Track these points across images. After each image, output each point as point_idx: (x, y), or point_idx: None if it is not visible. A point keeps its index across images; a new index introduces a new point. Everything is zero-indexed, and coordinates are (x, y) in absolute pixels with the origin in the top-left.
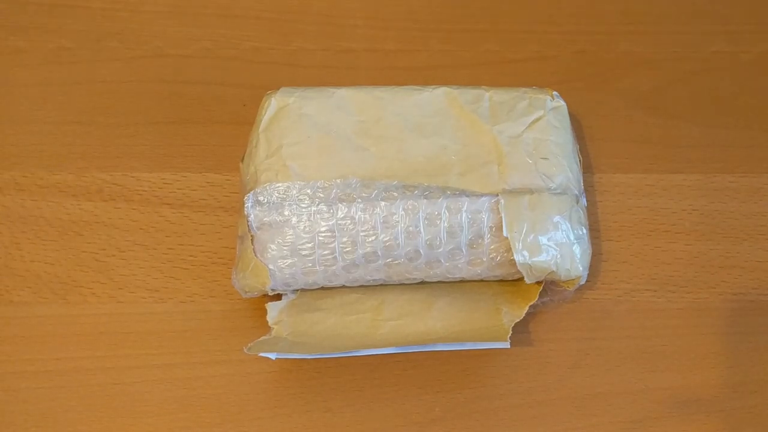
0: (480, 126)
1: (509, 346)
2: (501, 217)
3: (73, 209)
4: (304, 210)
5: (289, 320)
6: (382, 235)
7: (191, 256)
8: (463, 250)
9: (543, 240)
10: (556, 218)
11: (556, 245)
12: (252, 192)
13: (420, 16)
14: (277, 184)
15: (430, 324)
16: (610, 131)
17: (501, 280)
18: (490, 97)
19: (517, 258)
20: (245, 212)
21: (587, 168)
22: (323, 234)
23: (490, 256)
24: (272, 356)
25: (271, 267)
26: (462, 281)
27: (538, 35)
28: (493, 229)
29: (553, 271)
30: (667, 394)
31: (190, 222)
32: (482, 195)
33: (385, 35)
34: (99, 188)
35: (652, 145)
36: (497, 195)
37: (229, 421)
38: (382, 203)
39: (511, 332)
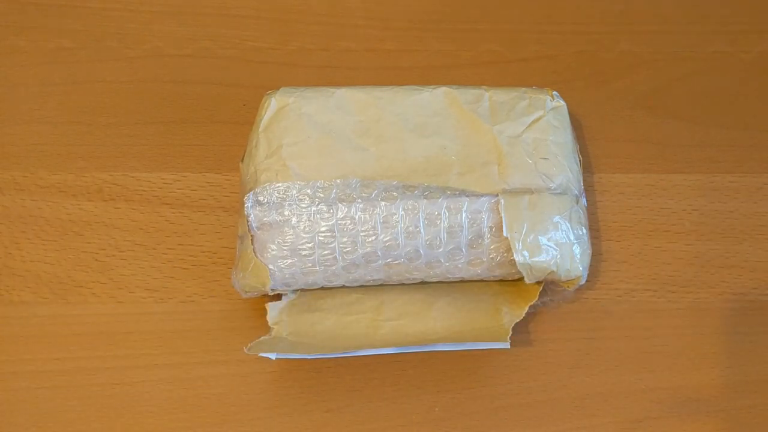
0: (480, 126)
1: (509, 347)
2: (501, 217)
3: (73, 209)
4: (304, 210)
5: (289, 320)
6: (382, 235)
7: (191, 256)
8: (463, 250)
9: (543, 240)
10: (556, 218)
11: (556, 245)
12: (252, 192)
13: (420, 16)
14: (277, 184)
15: (430, 324)
16: (610, 131)
17: (501, 280)
18: (490, 97)
19: (517, 258)
20: (245, 212)
21: (587, 168)
22: (323, 234)
23: (490, 256)
24: (272, 356)
25: (271, 267)
26: (462, 281)
27: (538, 35)
28: (493, 229)
29: (553, 271)
30: (667, 394)
31: (190, 222)
32: (482, 195)
33: (385, 35)
34: (99, 188)
35: (652, 145)
36: (497, 195)
37: (229, 421)
38: (382, 203)
39: (511, 332)
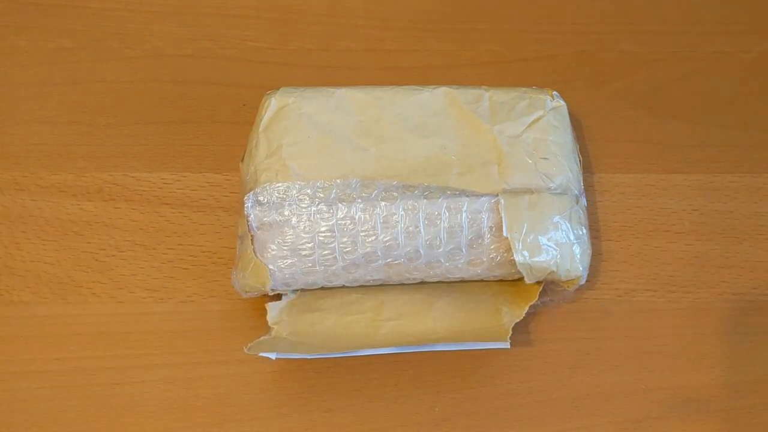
0: (480, 126)
1: (509, 347)
2: (501, 217)
3: (73, 209)
4: (304, 210)
5: (289, 320)
6: (382, 235)
7: (191, 256)
8: (463, 250)
9: (543, 240)
10: (556, 218)
11: (556, 245)
12: (252, 192)
13: (420, 16)
14: (277, 184)
15: (430, 324)
16: (610, 131)
17: (501, 280)
18: (490, 97)
19: (517, 258)
20: (245, 212)
21: (587, 168)
22: (323, 234)
23: (490, 256)
24: (272, 356)
25: (271, 267)
26: (462, 281)
27: (538, 35)
28: (493, 229)
29: (553, 271)
30: (667, 394)
31: (190, 222)
32: (482, 195)
33: (385, 35)
34: (99, 188)
35: (652, 145)
36: (497, 195)
37: (229, 421)
38: (382, 203)
39: (511, 332)
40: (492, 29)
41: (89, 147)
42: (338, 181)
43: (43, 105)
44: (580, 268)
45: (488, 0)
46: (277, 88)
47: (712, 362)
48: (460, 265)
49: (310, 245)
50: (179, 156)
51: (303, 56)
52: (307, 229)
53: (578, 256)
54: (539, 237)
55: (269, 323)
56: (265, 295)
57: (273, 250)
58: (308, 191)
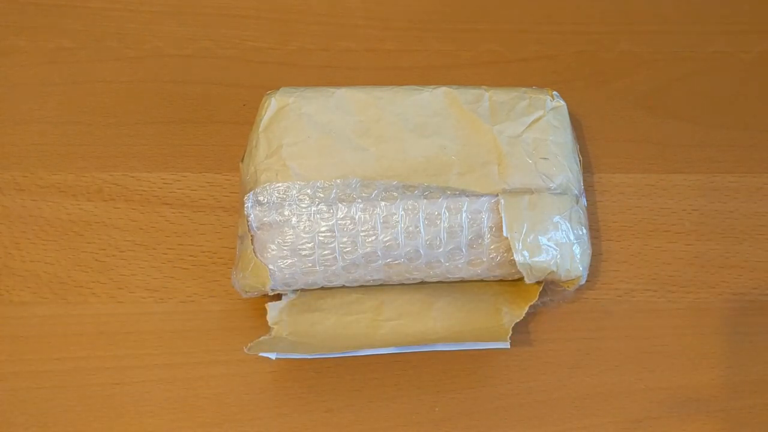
0: (480, 126)
1: (509, 347)
2: (501, 217)
3: (73, 209)
4: (304, 210)
5: (289, 320)
6: (382, 235)
7: (191, 256)
8: (463, 250)
9: (543, 240)
10: (556, 218)
11: (556, 245)
12: (252, 192)
13: (420, 16)
14: (277, 184)
15: (430, 324)
16: (610, 131)
17: (501, 280)
18: (490, 97)
19: (517, 258)
20: (245, 212)
21: (587, 168)
22: (323, 234)
23: (490, 256)
24: (272, 356)
25: (271, 267)
26: (462, 281)
27: (538, 35)
28: (493, 229)
29: (553, 271)
30: (667, 394)
31: (190, 222)
32: (482, 195)
33: (385, 35)
34: (99, 188)
35: (652, 145)
36: (497, 195)
37: (229, 421)
38: (382, 203)
39: (511, 332)
40: (492, 29)
41: (89, 147)
42: (338, 181)
43: (43, 105)
44: (580, 268)
45: (488, 0)
46: (277, 88)
47: (712, 362)
48: (460, 265)
49: (310, 245)
50: (179, 156)
51: (303, 56)
52: (307, 229)
53: (578, 256)
54: (539, 237)
55: (269, 323)
56: (265, 295)
57: (273, 250)
58: (308, 191)
